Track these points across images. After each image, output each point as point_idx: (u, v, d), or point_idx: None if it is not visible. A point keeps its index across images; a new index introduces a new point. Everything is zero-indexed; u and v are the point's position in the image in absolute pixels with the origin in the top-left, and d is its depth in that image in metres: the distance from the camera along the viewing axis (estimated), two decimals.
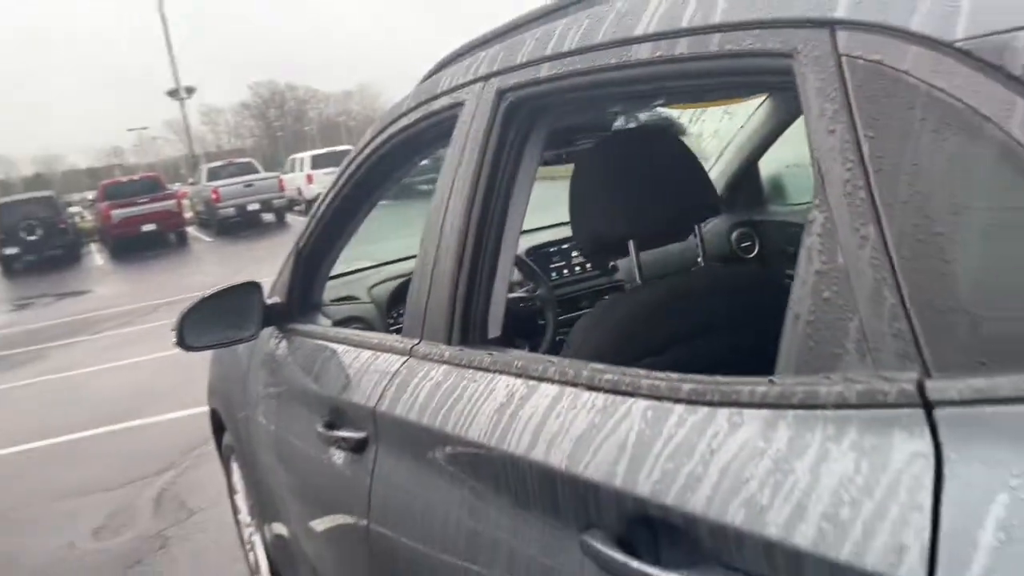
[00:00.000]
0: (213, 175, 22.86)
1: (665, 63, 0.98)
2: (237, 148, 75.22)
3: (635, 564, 0.83)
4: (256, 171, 23.05)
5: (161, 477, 4.64)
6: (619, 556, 0.84)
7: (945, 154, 0.66)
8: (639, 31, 1.02)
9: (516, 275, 2.43)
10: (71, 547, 3.90)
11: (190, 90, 28.67)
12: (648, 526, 0.84)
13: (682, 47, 0.95)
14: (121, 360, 8.30)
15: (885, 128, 0.71)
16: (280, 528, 2.32)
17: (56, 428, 6.07)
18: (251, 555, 2.97)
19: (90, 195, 34.39)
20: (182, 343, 2.03)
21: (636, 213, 1.45)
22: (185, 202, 24.55)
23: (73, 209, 30.85)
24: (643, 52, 1.01)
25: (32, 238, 20.53)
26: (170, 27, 27.76)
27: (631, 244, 1.47)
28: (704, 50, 0.92)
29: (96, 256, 21.73)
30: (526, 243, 2.65)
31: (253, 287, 2.13)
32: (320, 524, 1.87)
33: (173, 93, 28.17)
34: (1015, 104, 0.61)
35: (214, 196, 21.43)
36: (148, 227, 20.58)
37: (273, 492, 2.27)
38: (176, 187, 29.51)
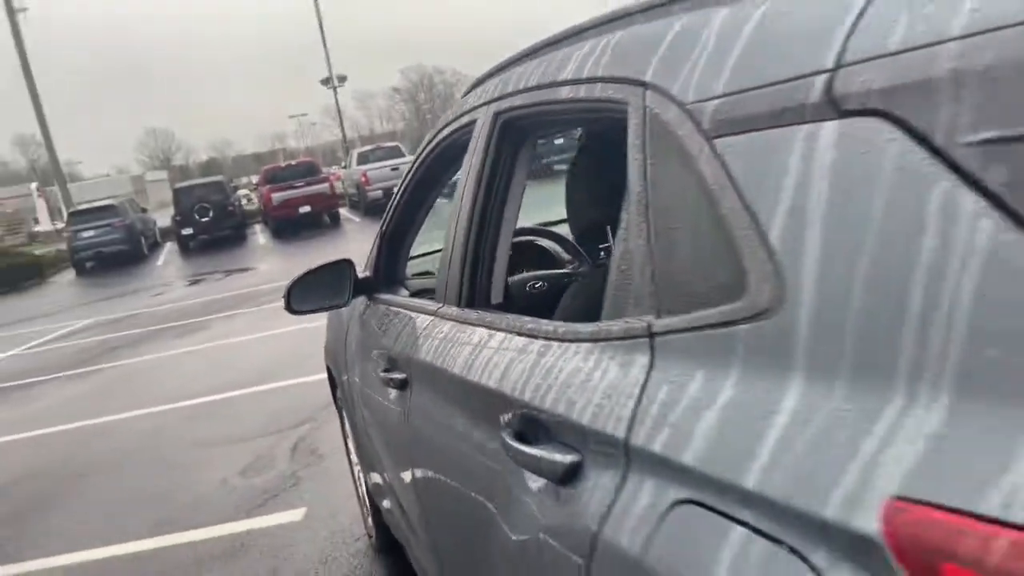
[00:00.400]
0: (362, 159, 24.18)
1: (573, 102, 1.37)
2: (389, 131, 78.19)
3: (521, 448, 1.24)
4: (402, 155, 24.19)
5: (298, 429, 5.35)
6: (514, 444, 1.26)
7: (676, 176, 1.03)
8: (561, 77, 1.41)
9: (565, 255, 2.83)
10: (224, 482, 4.65)
11: (342, 78, 30.37)
12: (527, 421, 1.25)
13: (582, 91, 1.33)
14: (275, 329, 9.23)
15: (658, 158, 1.08)
16: (373, 468, 2.83)
17: (216, 387, 6.98)
18: (360, 489, 3.53)
19: (254, 179, 36.99)
20: (288, 307, 2.56)
21: (609, 203, 1.83)
22: (338, 184, 26.09)
23: (242, 192, 33.32)
24: (563, 93, 1.40)
25: (205, 219, 22.51)
26: (324, 18, 29.45)
27: (608, 228, 1.85)
28: (592, 95, 1.30)
29: (259, 236, 23.53)
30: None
31: (347, 263, 2.64)
32: (389, 456, 2.36)
33: (326, 81, 29.94)
34: (703, 147, 0.98)
35: (363, 179, 22.72)
36: (304, 209, 22.08)
37: (365, 436, 2.79)
38: (333, 170, 31.19)
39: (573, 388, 1.13)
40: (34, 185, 42.44)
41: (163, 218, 27.38)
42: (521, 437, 1.27)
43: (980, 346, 0.64)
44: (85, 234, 21.77)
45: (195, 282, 16.82)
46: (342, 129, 34.06)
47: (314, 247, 18.33)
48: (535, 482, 1.21)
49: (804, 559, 0.71)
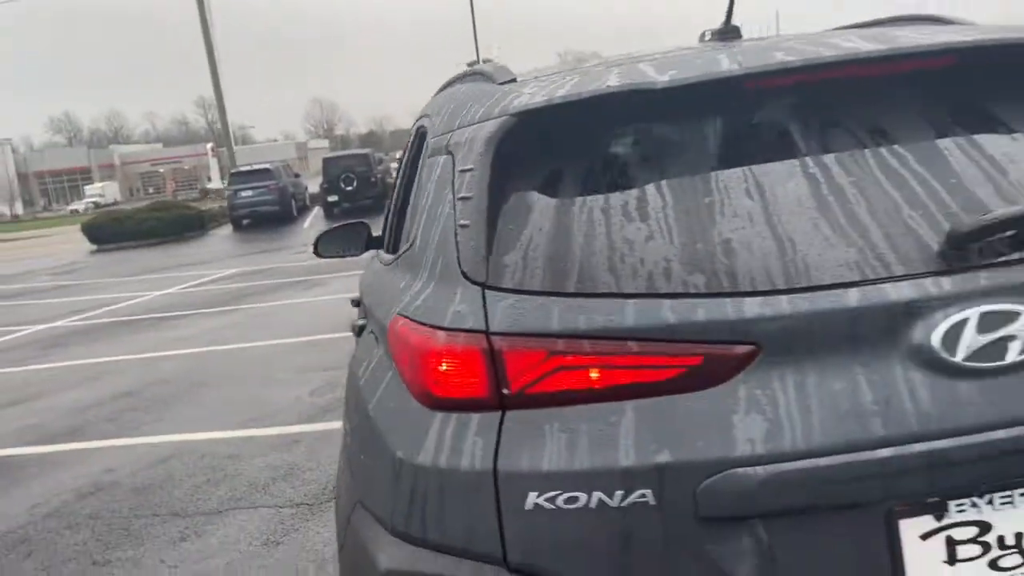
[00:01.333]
0: None
1: (423, 128, 2.26)
2: None
3: (356, 323, 2.16)
4: None
5: None
6: (357, 322, 2.18)
7: (424, 176, 1.91)
8: (425, 112, 2.31)
9: None
10: (298, 399, 5.81)
11: (486, 61, 31.70)
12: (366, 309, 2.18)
13: (422, 122, 2.23)
14: None
15: (423, 166, 1.96)
16: None
17: (318, 330, 8.24)
18: None
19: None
20: (315, 251, 3.55)
21: None
22: None
23: (393, 165, 35.27)
24: (423, 120, 2.30)
25: (349, 188, 24.30)
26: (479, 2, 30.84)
27: None
28: (426, 125, 2.19)
29: None
30: None
31: (363, 224, 3.61)
32: None
33: (472, 64, 31.39)
34: (426, 161, 1.86)
35: None
36: None
37: None
38: None
39: (375, 288, 2.06)
40: (209, 145, 46.34)
41: (315, 184, 29.55)
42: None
43: (435, 257, 1.52)
44: (243, 194, 24.04)
45: None
46: None
47: None
48: (360, 340, 2.14)
49: (378, 341, 1.61)
